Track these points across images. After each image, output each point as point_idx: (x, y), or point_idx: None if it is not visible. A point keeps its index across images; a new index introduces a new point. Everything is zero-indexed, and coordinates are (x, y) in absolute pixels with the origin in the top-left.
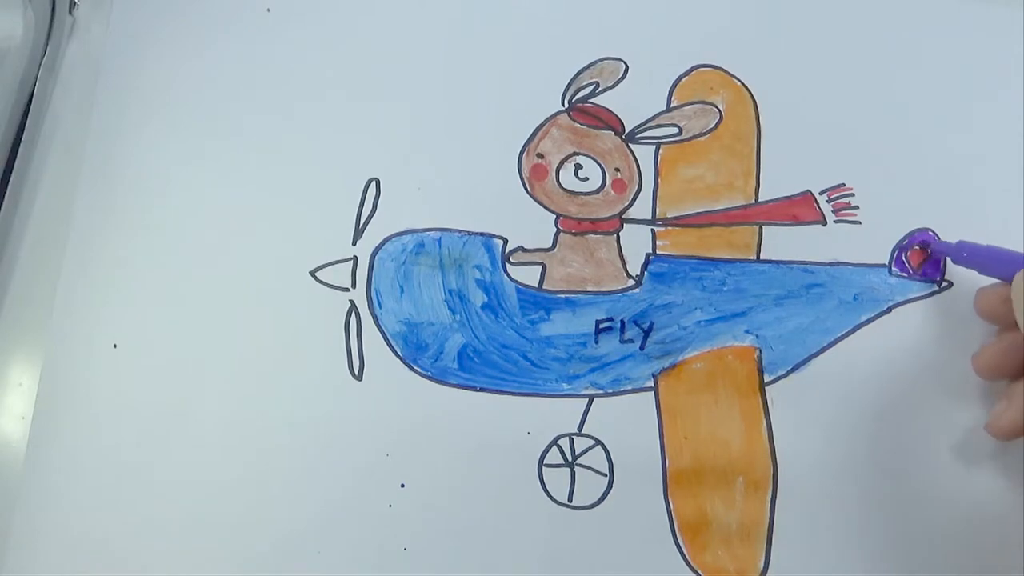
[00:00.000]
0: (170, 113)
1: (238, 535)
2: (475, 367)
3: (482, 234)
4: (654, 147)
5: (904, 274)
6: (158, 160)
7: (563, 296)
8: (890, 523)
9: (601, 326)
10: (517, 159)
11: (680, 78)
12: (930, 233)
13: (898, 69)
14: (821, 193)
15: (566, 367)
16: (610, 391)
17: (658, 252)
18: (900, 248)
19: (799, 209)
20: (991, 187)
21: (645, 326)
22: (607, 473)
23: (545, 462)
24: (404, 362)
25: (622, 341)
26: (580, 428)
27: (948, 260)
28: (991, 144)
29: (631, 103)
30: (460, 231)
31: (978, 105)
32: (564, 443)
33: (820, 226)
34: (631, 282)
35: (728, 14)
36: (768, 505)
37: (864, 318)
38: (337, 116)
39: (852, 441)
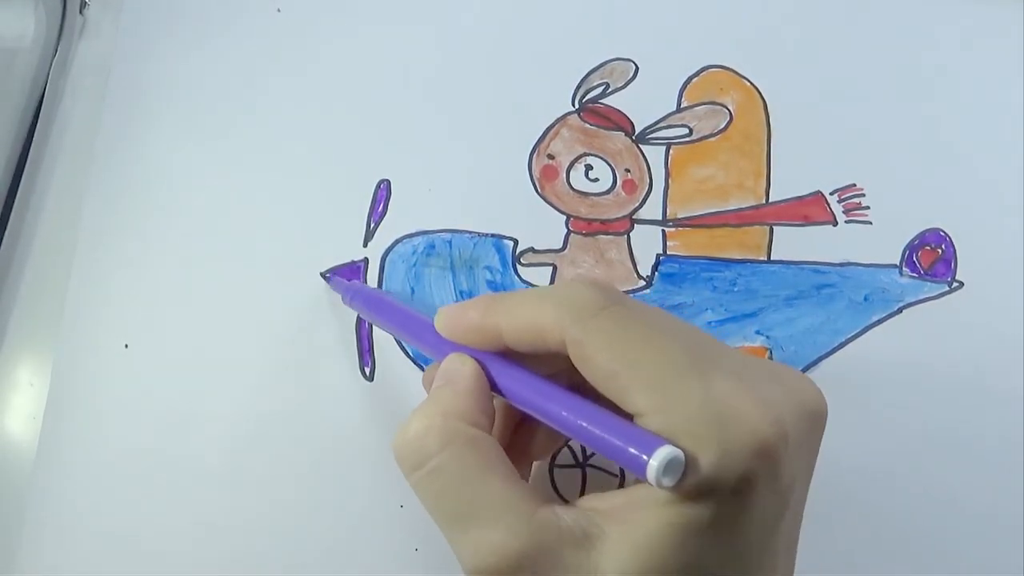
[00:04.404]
0: (180, 113)
1: (248, 535)
2: None
3: (493, 235)
4: (664, 148)
5: (915, 274)
6: (168, 160)
7: None
8: (894, 521)
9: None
10: (527, 160)
11: (690, 79)
12: (941, 233)
13: (904, 69)
14: (832, 193)
15: None
16: None
17: (669, 253)
18: (911, 248)
19: (810, 209)
20: (1000, 186)
21: None
22: (617, 474)
23: (556, 462)
24: (415, 362)
25: None
26: None
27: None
28: (996, 143)
29: (641, 104)
30: (471, 232)
31: (983, 105)
32: (575, 443)
33: (831, 226)
34: (642, 283)
35: (737, 15)
36: None
37: (875, 319)
38: (347, 117)
39: (860, 441)
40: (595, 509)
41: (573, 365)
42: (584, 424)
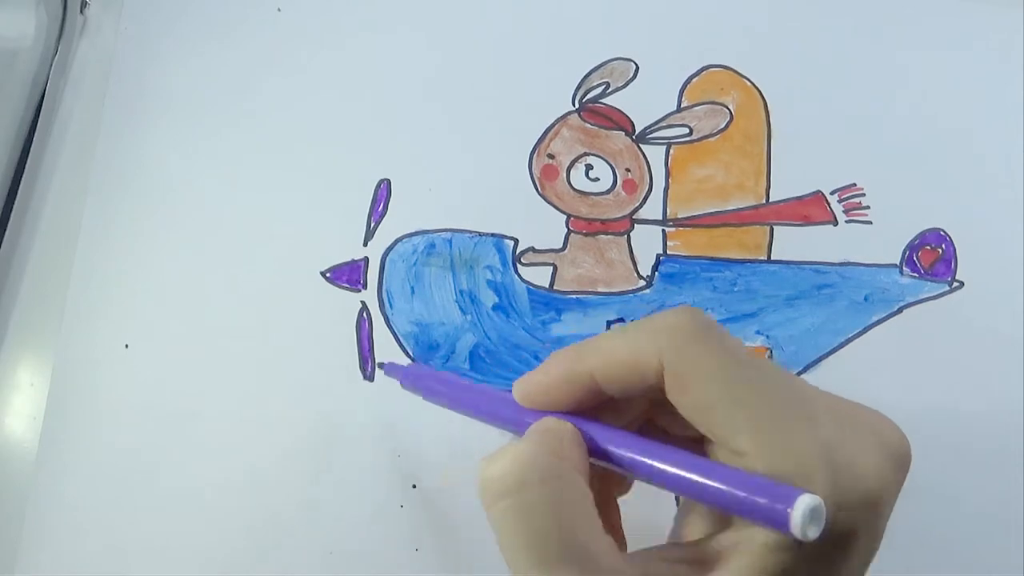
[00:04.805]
0: (181, 113)
1: (249, 536)
2: (486, 367)
3: (493, 235)
4: (665, 147)
5: (915, 274)
6: (169, 160)
7: (574, 297)
8: (893, 521)
9: (612, 327)
10: (528, 160)
11: (690, 78)
12: (941, 233)
13: (905, 69)
14: (832, 193)
15: None
16: None
17: (669, 253)
18: (911, 248)
19: (810, 209)
20: (1000, 186)
21: None
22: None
23: None
24: (415, 362)
25: None
26: None
27: (958, 260)
28: (996, 144)
29: (642, 103)
30: (471, 232)
31: (983, 105)
32: None
33: (831, 226)
34: (642, 283)
35: (738, 15)
36: None
37: (875, 318)
38: (348, 117)
39: None
40: (685, 559)
41: (649, 408)
42: (708, 482)
